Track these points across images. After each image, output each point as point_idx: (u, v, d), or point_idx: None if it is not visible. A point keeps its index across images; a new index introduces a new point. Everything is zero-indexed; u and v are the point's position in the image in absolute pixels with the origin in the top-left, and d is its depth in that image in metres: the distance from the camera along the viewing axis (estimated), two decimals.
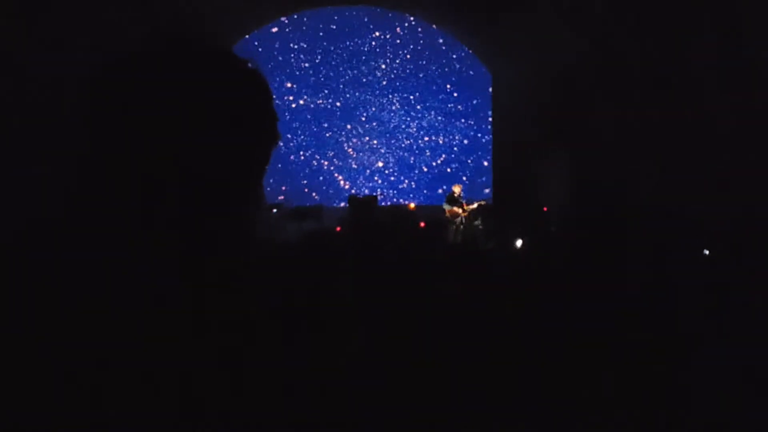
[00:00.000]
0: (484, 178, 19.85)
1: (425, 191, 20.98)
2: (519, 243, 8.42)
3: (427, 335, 2.52)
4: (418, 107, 21.73)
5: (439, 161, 21.41)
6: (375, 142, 21.52)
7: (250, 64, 0.89)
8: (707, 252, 5.80)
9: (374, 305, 2.59)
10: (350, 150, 21.37)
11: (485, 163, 19.93)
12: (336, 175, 21.18)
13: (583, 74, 10.71)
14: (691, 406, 2.70)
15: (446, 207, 13.89)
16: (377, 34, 21.57)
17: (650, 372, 2.78)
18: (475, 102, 20.99)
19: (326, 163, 21.18)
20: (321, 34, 21.28)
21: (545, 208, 12.24)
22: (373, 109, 21.66)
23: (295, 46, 21.11)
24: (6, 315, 0.81)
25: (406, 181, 21.31)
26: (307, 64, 21.30)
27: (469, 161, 21.27)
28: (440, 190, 19.10)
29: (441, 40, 20.72)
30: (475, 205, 13.87)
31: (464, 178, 20.35)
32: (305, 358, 0.86)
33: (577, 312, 3.01)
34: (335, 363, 0.88)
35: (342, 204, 18.15)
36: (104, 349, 0.77)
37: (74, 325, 0.78)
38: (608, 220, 8.60)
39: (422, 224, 10.45)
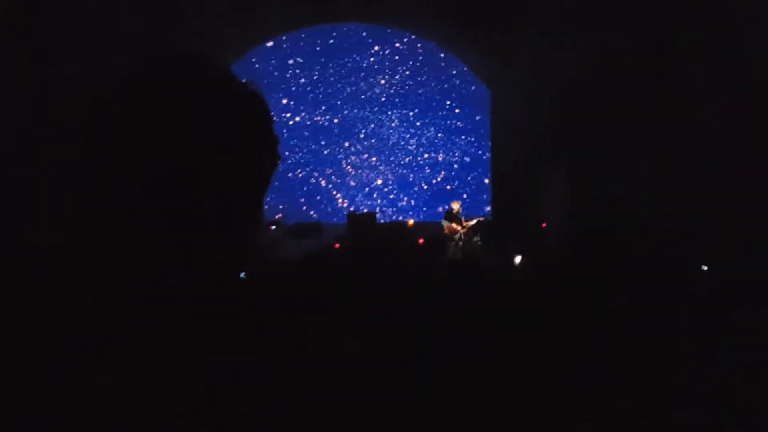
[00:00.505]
0: (485, 196, 19.72)
1: (424, 208, 20.89)
2: (518, 259, 8.42)
3: (427, 350, 2.53)
4: (418, 124, 21.69)
5: (438, 178, 21.37)
6: (374, 159, 21.50)
7: (250, 87, 0.90)
8: (705, 267, 5.81)
9: (373, 320, 2.60)
10: (349, 167, 21.36)
11: (486, 181, 19.79)
12: (334, 192, 21.15)
13: (581, 90, 10.76)
14: (691, 411, 2.71)
15: (445, 224, 13.86)
16: (376, 49, 21.59)
17: (649, 382, 2.78)
18: (477, 118, 20.81)
19: (324, 181, 21.16)
20: (318, 49, 21.27)
21: (544, 224, 12.25)
22: (372, 125, 21.66)
23: (293, 62, 21.12)
24: (9, 315, 0.82)
25: (405, 198, 21.27)
26: (304, 80, 21.32)
27: (470, 178, 21.18)
28: (440, 208, 19.01)
29: (441, 56, 20.63)
30: (473, 222, 13.85)
31: (465, 196, 20.19)
32: (303, 366, 0.87)
33: (575, 325, 3.02)
34: (332, 372, 0.89)
35: (340, 221, 18.11)
36: (105, 348, 0.78)
37: (74, 325, 0.80)
38: (608, 235, 8.61)
39: (421, 241, 10.45)
